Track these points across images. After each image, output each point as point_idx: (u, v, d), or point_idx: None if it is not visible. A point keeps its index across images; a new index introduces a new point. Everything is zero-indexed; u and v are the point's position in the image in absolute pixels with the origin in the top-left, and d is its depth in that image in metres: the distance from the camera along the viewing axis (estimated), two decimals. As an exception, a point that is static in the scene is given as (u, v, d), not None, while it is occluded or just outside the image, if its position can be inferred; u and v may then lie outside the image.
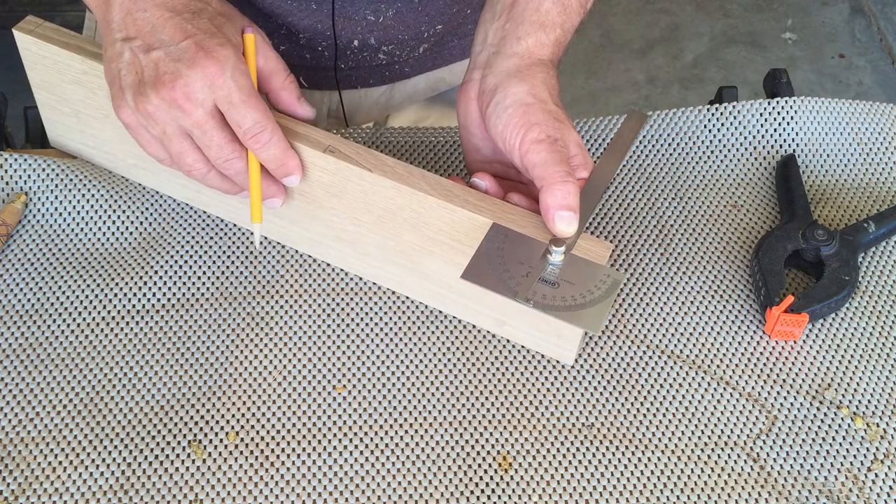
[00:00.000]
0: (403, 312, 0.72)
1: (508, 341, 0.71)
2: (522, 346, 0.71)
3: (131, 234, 0.75)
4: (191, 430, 0.65)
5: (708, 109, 0.85)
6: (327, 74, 0.87)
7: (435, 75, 0.92)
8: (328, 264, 0.74)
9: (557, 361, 0.70)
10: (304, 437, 0.66)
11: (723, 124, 0.85)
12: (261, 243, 0.74)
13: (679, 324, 0.73)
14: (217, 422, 0.66)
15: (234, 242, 0.75)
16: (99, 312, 0.71)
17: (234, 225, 0.76)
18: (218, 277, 0.73)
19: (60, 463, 0.63)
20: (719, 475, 0.65)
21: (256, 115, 0.63)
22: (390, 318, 0.72)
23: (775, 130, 0.85)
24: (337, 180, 0.67)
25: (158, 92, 0.61)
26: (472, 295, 0.69)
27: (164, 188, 0.76)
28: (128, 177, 0.77)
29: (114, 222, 0.75)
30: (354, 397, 0.68)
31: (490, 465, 0.65)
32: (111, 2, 0.64)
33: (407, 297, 0.73)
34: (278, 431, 0.66)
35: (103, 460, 0.64)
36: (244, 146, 0.64)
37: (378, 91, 0.91)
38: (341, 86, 0.89)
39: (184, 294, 0.72)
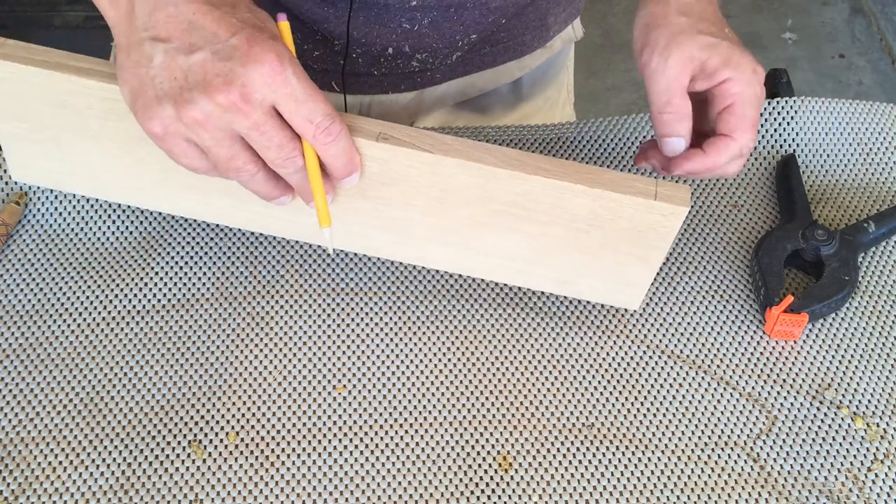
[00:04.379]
0: (403, 312, 0.72)
1: (508, 340, 0.71)
2: (523, 346, 0.71)
3: (131, 233, 0.75)
4: (191, 430, 0.65)
5: (708, 109, 0.85)
6: (359, 80, 0.87)
7: (465, 81, 0.93)
8: (328, 264, 0.74)
9: (557, 361, 0.70)
10: (304, 437, 0.66)
11: (723, 124, 0.85)
12: (333, 249, 0.69)
13: (679, 324, 0.73)
14: (217, 422, 0.66)
15: (234, 242, 0.75)
16: (99, 312, 0.71)
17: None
18: (218, 277, 0.73)
19: (60, 463, 0.63)
20: (719, 475, 0.65)
21: (326, 108, 0.57)
22: (390, 318, 0.72)
23: (775, 130, 0.85)
24: (389, 168, 0.63)
25: (211, 96, 0.54)
26: (533, 260, 0.68)
27: (161, 206, 0.71)
28: (117, 201, 0.71)
29: (114, 222, 0.75)
30: (354, 397, 0.68)
31: (490, 465, 0.65)
32: None
33: (407, 298, 0.73)
34: (278, 431, 0.66)
35: (103, 460, 0.64)
36: (301, 143, 0.59)
37: (408, 96, 0.92)
38: (373, 91, 0.89)
39: (184, 294, 0.72)
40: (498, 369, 0.70)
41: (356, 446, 0.65)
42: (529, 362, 0.70)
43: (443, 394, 0.68)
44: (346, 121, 0.61)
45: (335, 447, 0.65)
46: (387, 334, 0.71)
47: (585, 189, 0.62)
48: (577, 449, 0.66)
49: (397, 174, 0.63)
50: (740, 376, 0.70)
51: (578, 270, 0.69)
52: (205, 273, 0.74)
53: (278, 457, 0.65)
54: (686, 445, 0.67)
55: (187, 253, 0.74)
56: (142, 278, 0.73)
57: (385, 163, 0.63)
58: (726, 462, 0.66)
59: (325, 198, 0.61)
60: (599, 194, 0.62)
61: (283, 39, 0.57)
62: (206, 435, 0.65)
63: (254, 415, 0.66)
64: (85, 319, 0.70)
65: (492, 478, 0.65)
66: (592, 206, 0.63)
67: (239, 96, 0.54)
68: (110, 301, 0.71)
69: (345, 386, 0.68)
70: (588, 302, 0.73)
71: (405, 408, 0.67)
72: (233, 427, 0.66)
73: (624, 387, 0.69)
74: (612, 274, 0.68)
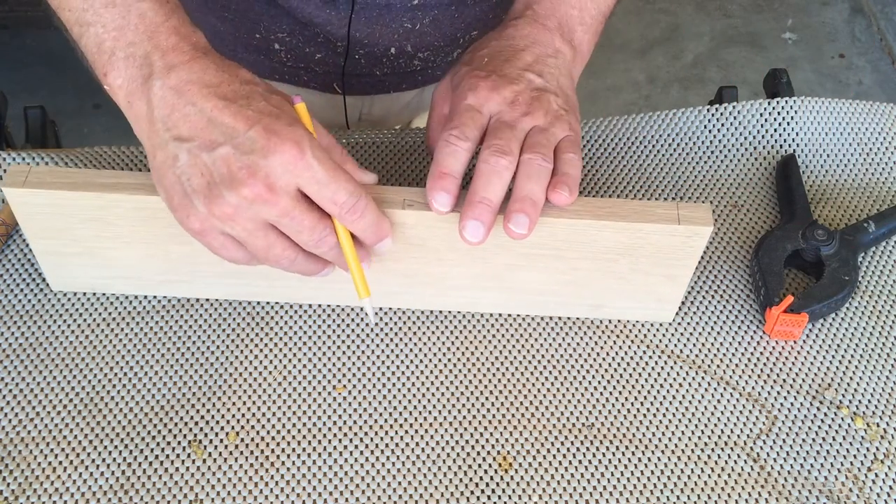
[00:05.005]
0: (403, 312, 0.72)
1: (508, 341, 0.71)
2: (523, 346, 0.71)
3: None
4: (191, 430, 0.65)
5: (708, 109, 0.86)
6: (362, 80, 0.87)
7: None
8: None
9: (557, 361, 0.70)
10: (304, 437, 0.66)
11: (723, 124, 0.85)
12: (375, 314, 0.71)
13: (679, 324, 0.73)
14: (217, 422, 0.66)
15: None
16: (99, 313, 0.71)
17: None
18: (218, 277, 0.73)
19: (60, 463, 0.63)
20: (719, 475, 0.65)
21: (349, 187, 0.58)
22: (390, 319, 0.72)
23: (775, 130, 0.85)
24: (417, 231, 0.65)
25: (237, 190, 0.55)
26: (567, 292, 0.70)
27: (198, 293, 0.72)
28: (154, 294, 0.72)
29: (114, 222, 0.75)
30: (354, 397, 0.68)
31: (490, 465, 0.65)
32: (150, 99, 0.56)
33: (407, 297, 0.73)
34: (278, 431, 0.66)
35: (103, 460, 0.64)
36: (331, 221, 0.60)
37: (409, 95, 0.92)
38: (375, 91, 0.89)
39: (184, 294, 0.72)
40: (498, 369, 0.70)
41: (356, 446, 0.65)
42: (529, 362, 0.70)
43: (443, 394, 0.68)
44: (371, 192, 0.63)
45: (335, 447, 0.65)
46: (387, 334, 0.71)
47: (610, 224, 0.64)
48: (577, 449, 0.66)
49: (426, 235, 0.65)
50: (740, 376, 0.70)
51: (611, 295, 0.70)
52: (205, 273, 0.74)
53: (278, 457, 0.65)
54: (686, 445, 0.67)
55: (187, 253, 0.74)
56: (142, 278, 0.73)
57: (413, 227, 0.64)
58: (726, 462, 0.66)
59: (361, 271, 0.62)
60: (624, 227, 0.64)
61: (301, 122, 0.58)
62: (206, 435, 0.65)
63: (254, 415, 0.66)
64: (85, 319, 0.70)
65: (492, 478, 0.65)
66: (618, 238, 0.65)
67: (264, 187, 0.55)
68: (110, 301, 0.71)
69: (345, 386, 0.68)
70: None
71: (405, 408, 0.67)
72: (233, 427, 0.66)
73: (624, 387, 0.69)
74: (643, 294, 0.70)
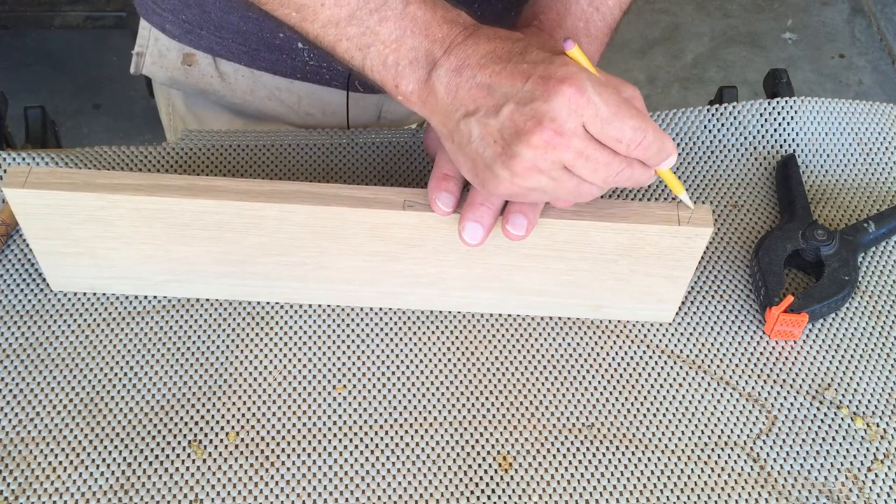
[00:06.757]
0: (403, 312, 0.72)
1: (508, 341, 0.71)
2: (523, 346, 0.71)
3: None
4: (191, 430, 0.65)
5: (708, 109, 0.86)
6: None
7: None
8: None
9: (557, 361, 0.70)
10: (304, 437, 0.66)
11: (723, 124, 0.85)
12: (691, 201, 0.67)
13: (679, 324, 0.73)
14: (217, 422, 0.66)
15: (234, 242, 0.75)
16: (99, 313, 0.71)
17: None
18: (218, 277, 0.73)
19: (60, 463, 0.63)
20: (719, 475, 0.65)
21: (633, 122, 0.56)
22: (390, 318, 0.72)
23: (775, 130, 0.85)
24: (418, 232, 0.65)
25: (528, 141, 0.55)
26: (567, 292, 0.70)
27: (199, 293, 0.72)
28: (156, 294, 0.72)
29: (114, 222, 0.75)
30: (354, 397, 0.68)
31: (490, 465, 0.65)
32: (437, 90, 0.58)
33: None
34: (278, 431, 0.66)
35: (103, 460, 0.64)
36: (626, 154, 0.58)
37: None
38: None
39: (184, 294, 0.72)
40: (498, 369, 0.70)
41: (356, 446, 0.65)
42: (529, 362, 0.70)
43: (443, 394, 0.68)
44: (366, 195, 0.63)
45: (335, 447, 0.65)
46: (387, 334, 0.71)
47: (611, 225, 0.64)
48: (577, 449, 0.66)
49: (426, 236, 0.65)
50: (740, 376, 0.70)
51: (611, 296, 0.70)
52: (205, 273, 0.73)
53: (278, 457, 0.65)
54: (686, 445, 0.67)
55: (187, 253, 0.74)
56: (142, 278, 0.73)
57: (414, 228, 0.65)
58: (726, 462, 0.66)
59: (671, 176, 0.62)
60: (625, 228, 0.64)
61: (577, 63, 0.57)
62: (206, 435, 0.65)
63: (254, 415, 0.66)
64: (85, 320, 0.70)
65: (492, 478, 0.65)
66: (619, 239, 0.65)
67: (552, 132, 0.55)
68: (110, 301, 0.71)
69: (345, 386, 0.68)
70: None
71: (405, 408, 0.67)
72: (233, 427, 0.66)
73: (624, 387, 0.69)
74: (643, 294, 0.70)
